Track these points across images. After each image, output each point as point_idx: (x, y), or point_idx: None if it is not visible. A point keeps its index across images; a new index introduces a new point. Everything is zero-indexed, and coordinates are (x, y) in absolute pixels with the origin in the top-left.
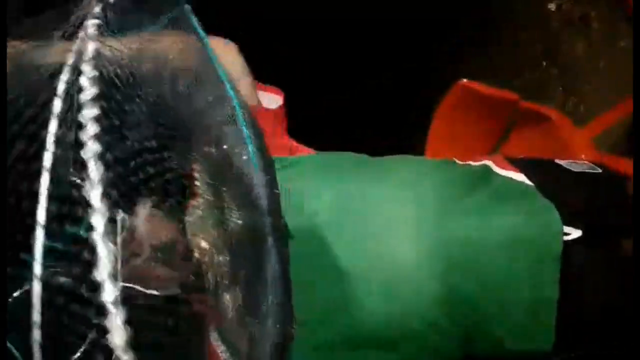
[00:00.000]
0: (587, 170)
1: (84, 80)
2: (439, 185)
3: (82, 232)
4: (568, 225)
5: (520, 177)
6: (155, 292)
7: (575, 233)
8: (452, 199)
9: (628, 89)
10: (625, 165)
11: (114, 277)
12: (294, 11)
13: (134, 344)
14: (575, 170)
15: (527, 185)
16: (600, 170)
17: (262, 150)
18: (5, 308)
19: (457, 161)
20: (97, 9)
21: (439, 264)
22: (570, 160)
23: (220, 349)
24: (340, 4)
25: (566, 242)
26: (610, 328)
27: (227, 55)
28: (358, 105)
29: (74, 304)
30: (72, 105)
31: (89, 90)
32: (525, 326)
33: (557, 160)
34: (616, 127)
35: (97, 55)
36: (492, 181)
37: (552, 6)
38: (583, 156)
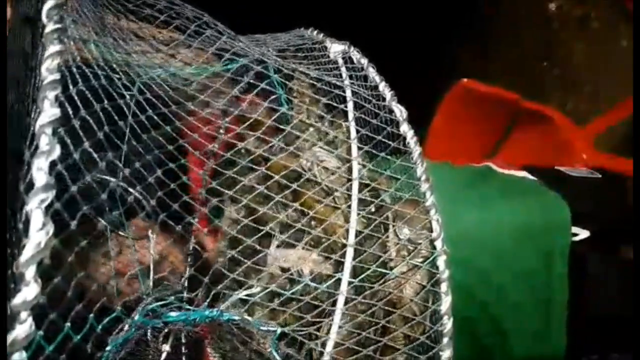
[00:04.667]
0: (587, 176)
1: None
2: (440, 183)
3: None
4: (575, 225)
5: (522, 174)
6: None
7: (583, 234)
8: (455, 193)
9: (628, 89)
10: (625, 164)
11: None
12: (293, 12)
13: None
14: (576, 175)
15: (530, 180)
16: (599, 176)
17: None
18: (5, 307)
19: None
20: None
21: None
22: (569, 167)
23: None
24: (339, 3)
25: (574, 242)
26: (613, 331)
27: None
28: None
29: None
30: None
31: None
32: (536, 324)
33: (556, 167)
34: (616, 127)
35: None
36: (496, 177)
37: (552, 6)
38: (584, 156)
